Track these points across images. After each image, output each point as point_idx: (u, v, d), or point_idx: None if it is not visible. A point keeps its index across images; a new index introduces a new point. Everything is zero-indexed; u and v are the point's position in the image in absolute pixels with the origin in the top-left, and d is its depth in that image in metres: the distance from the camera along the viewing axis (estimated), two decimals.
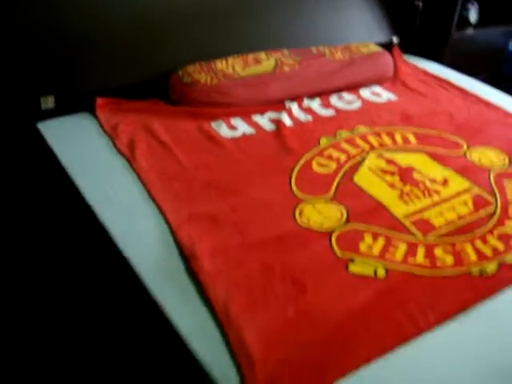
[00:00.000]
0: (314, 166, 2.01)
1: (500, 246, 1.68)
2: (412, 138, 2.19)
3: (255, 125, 2.24)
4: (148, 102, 2.31)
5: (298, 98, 2.43)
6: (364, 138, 2.18)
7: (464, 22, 3.20)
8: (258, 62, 2.45)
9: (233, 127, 2.20)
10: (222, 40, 2.42)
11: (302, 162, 2.01)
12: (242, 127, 2.21)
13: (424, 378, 1.27)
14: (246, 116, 2.27)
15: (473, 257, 1.63)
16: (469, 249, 1.67)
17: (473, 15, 3.24)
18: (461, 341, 1.37)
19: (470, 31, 3.23)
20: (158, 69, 2.32)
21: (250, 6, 2.45)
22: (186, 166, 1.92)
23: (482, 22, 3.30)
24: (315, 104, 2.44)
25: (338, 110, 2.40)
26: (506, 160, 2.10)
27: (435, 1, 3.07)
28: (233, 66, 2.39)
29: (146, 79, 2.31)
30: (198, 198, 1.76)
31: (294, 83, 2.40)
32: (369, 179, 1.94)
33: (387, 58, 2.70)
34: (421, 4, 3.08)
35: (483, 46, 3.37)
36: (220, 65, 2.37)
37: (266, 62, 2.46)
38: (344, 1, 2.77)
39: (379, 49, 2.72)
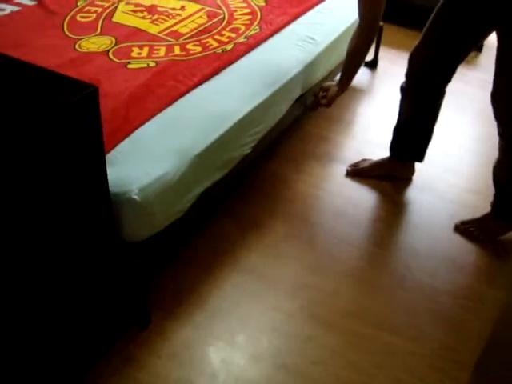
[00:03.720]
0: (78, 18, 2.54)
1: (233, 35, 2.44)
2: None
3: (18, 4, 2.67)
4: None
5: None
6: None
7: None
8: None
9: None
10: None
11: (67, 19, 2.53)
12: (8, 8, 2.63)
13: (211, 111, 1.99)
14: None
15: (215, 44, 2.37)
16: (211, 41, 2.39)
17: None
18: (223, 87, 2.13)
19: None
20: None
21: None
22: None
23: None
24: None
25: None
26: None
27: None
28: None
29: None
30: None
31: None
32: (124, 18, 2.56)
33: None
34: None
35: None
36: None
37: None
38: None
39: None
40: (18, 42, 2.28)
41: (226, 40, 2.41)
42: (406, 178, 2.60)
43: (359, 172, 2.60)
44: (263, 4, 2.76)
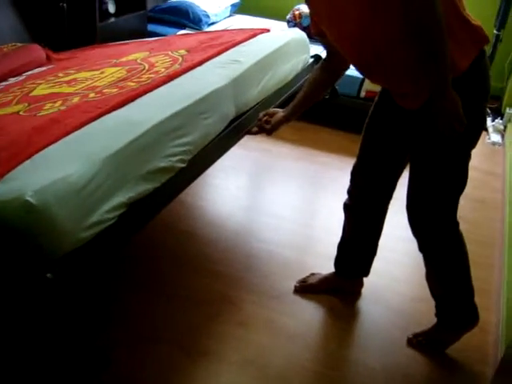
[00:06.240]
0: None
1: (152, 75, 2.36)
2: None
3: None
4: None
5: None
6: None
7: (106, 13, 4.04)
8: None
9: None
10: None
11: None
12: None
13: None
14: None
15: (133, 85, 2.28)
16: (129, 83, 2.31)
17: (111, 7, 4.06)
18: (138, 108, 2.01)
19: (112, 20, 4.03)
20: None
21: None
22: None
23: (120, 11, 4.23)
24: None
25: None
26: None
27: (77, 1, 3.80)
28: None
29: None
30: None
31: None
32: (42, 91, 2.49)
33: (34, 46, 3.30)
34: (65, 5, 3.78)
35: (126, 29, 4.22)
36: None
37: None
38: None
39: (25, 44, 3.33)
40: None
41: (145, 79, 2.31)
42: (355, 291, 2.58)
43: (308, 288, 2.56)
44: (185, 53, 2.71)
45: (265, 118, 2.37)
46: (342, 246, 2.48)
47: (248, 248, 2.88)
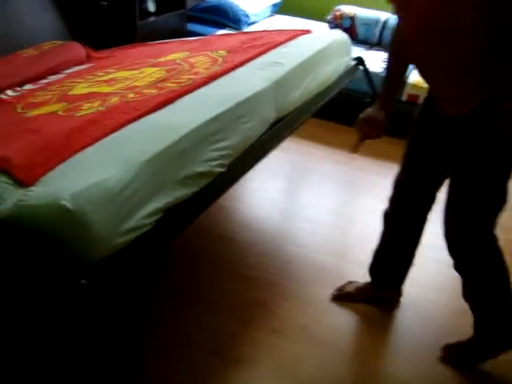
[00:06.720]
0: (31, 99, 2.46)
1: (192, 76, 2.32)
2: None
3: None
4: None
5: (9, 88, 2.86)
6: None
7: (146, 12, 4.06)
8: None
9: None
10: None
11: (21, 103, 2.44)
12: None
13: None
14: None
15: (173, 86, 2.23)
16: (169, 84, 2.28)
17: (151, 6, 4.04)
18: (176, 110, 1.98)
19: (151, 19, 4.00)
20: None
21: None
22: None
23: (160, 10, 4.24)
24: (27, 86, 2.90)
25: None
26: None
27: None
28: None
29: None
30: None
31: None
32: (81, 90, 2.46)
33: (74, 45, 3.29)
34: (106, 4, 3.78)
35: (165, 28, 4.19)
36: None
37: None
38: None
39: (66, 42, 3.32)
40: None
41: (185, 80, 2.27)
42: (392, 300, 2.51)
43: (345, 296, 2.51)
44: (225, 53, 2.66)
45: (367, 128, 2.21)
46: (378, 254, 2.41)
47: (284, 252, 2.82)
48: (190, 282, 2.56)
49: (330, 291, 2.53)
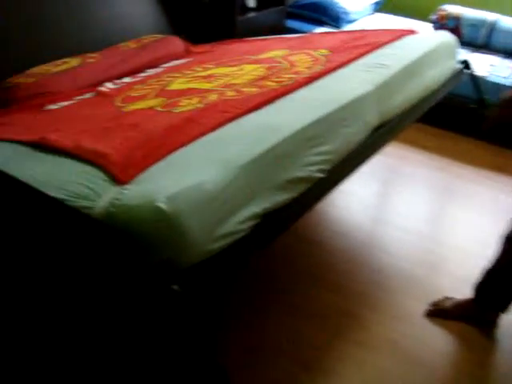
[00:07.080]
0: (131, 93, 2.45)
1: (293, 76, 2.25)
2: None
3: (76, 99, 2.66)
4: None
5: (109, 80, 2.88)
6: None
7: (246, 8, 4.04)
8: (65, 62, 2.91)
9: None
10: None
11: (120, 96, 2.44)
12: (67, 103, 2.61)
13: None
14: (68, 99, 2.68)
15: (273, 84, 2.16)
16: (269, 82, 2.21)
17: (252, 1, 4.01)
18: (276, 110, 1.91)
19: (251, 14, 3.96)
20: None
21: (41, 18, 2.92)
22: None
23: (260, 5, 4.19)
24: (126, 79, 2.92)
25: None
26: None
27: None
28: (45, 69, 2.83)
29: None
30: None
31: (100, 68, 2.87)
32: (179, 86, 2.43)
33: (173, 39, 3.29)
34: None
35: (265, 24, 4.15)
36: (32, 71, 2.80)
37: (72, 61, 2.93)
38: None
39: (165, 36, 3.32)
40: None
41: (286, 79, 2.19)
42: (490, 320, 2.34)
43: (441, 313, 2.36)
44: (327, 53, 2.56)
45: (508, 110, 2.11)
46: (492, 274, 2.24)
47: (374, 261, 2.71)
48: (273, 284, 2.49)
49: (420, 304, 2.40)
